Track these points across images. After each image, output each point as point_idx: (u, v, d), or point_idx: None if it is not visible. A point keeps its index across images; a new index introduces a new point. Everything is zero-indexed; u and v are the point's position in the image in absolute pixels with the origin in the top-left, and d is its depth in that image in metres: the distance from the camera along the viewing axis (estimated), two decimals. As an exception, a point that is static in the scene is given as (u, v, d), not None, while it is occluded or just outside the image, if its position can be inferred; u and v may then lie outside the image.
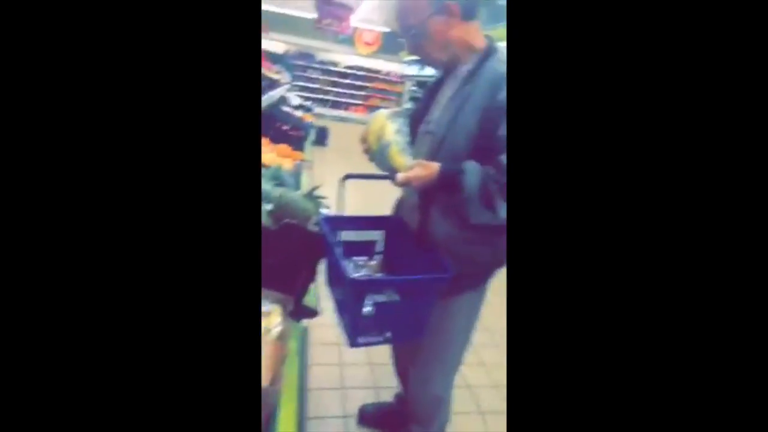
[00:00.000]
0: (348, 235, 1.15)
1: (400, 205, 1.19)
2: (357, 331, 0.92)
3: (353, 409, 1.55)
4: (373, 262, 1.17)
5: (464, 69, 1.00)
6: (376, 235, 1.18)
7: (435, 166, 0.91)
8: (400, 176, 0.92)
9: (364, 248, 1.17)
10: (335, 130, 6.45)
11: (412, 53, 1.09)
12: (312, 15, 7.35)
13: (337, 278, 0.97)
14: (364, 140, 1.00)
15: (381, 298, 0.91)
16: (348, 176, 0.98)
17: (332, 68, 9.43)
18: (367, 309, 0.90)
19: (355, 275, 0.91)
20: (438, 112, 1.03)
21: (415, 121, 1.12)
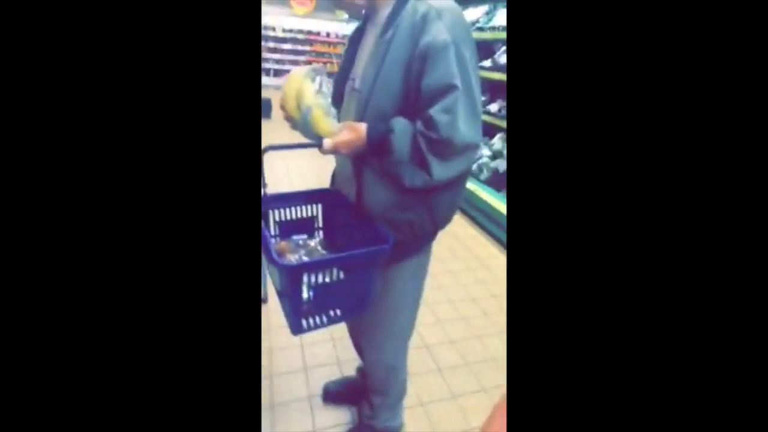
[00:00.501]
0: (286, 213, 1.07)
1: (335, 176, 1.12)
2: (299, 316, 0.87)
3: (318, 388, 1.54)
4: (313, 240, 1.11)
5: (383, 14, 0.90)
6: (316, 211, 1.11)
7: (362, 129, 0.84)
8: (326, 143, 0.83)
9: (304, 225, 1.11)
10: (277, 101, 6.13)
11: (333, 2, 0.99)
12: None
13: (271, 265, 0.90)
14: (282, 107, 0.90)
15: (323, 277, 0.87)
16: (269, 148, 0.89)
17: (270, 33, 8.84)
18: (305, 295, 0.86)
19: (285, 261, 0.84)
20: (361, 66, 0.94)
21: (341, 79, 1.03)
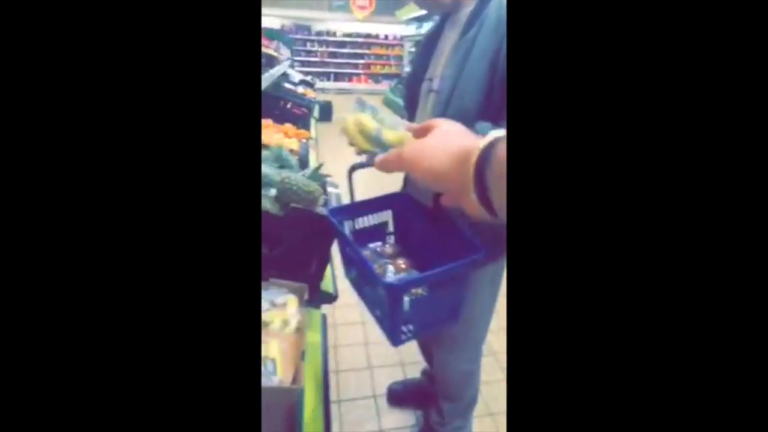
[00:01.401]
0: (358, 223, 1.06)
1: (407, 179, 1.10)
2: (398, 331, 0.85)
3: (381, 388, 1.53)
4: (388, 246, 1.08)
5: (465, 11, 0.87)
6: (386, 216, 1.09)
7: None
8: (378, 158, 0.83)
9: (376, 233, 1.09)
10: (339, 104, 6.29)
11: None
12: (303, -17, 7.02)
13: (364, 278, 0.89)
14: (358, 151, 0.90)
15: (421, 290, 0.85)
16: (357, 166, 0.88)
17: (330, 38, 9.11)
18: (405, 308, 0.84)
19: (391, 279, 0.81)
20: (440, 66, 0.91)
21: (415, 80, 1.00)
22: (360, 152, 0.88)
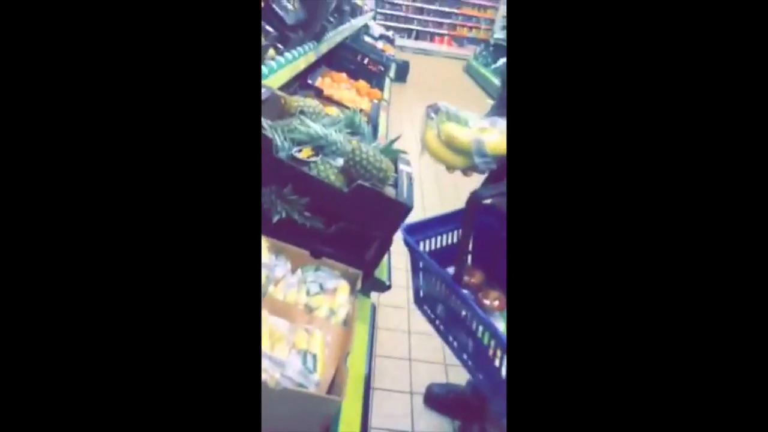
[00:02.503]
0: (431, 243, 0.88)
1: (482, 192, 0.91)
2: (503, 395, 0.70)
3: (420, 386, 1.43)
4: (471, 274, 0.90)
5: None
6: (453, 235, 0.90)
7: None
8: None
9: (449, 255, 0.90)
10: (416, 65, 5.95)
11: None
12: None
13: (458, 323, 0.74)
14: (449, 167, 0.72)
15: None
16: (481, 197, 0.67)
17: (418, -8, 8.57)
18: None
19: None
20: None
21: None
22: (452, 169, 0.71)
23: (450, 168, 0.71)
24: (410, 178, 1.17)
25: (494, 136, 0.66)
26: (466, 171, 0.71)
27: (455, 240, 0.89)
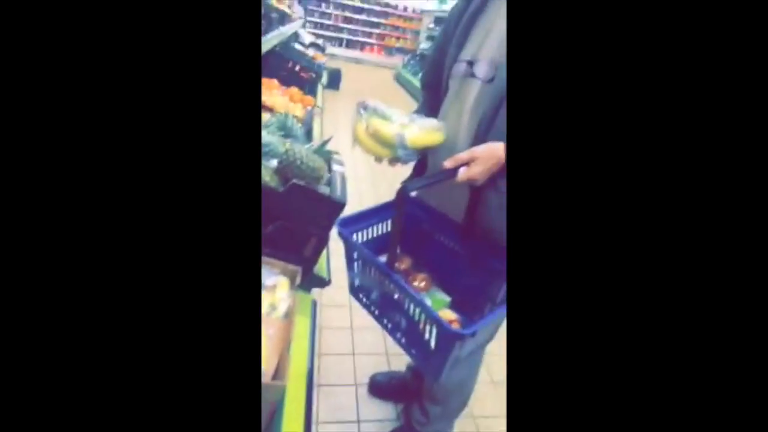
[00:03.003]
0: (363, 234, 0.95)
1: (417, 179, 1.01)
2: (443, 370, 0.77)
3: (364, 377, 1.49)
4: (404, 260, 0.97)
5: None
6: (384, 225, 0.98)
7: (500, 151, 0.72)
8: (460, 175, 0.73)
9: (381, 244, 0.97)
10: (348, 73, 6.06)
11: None
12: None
13: (393, 306, 0.80)
14: (377, 158, 0.80)
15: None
16: (409, 188, 0.72)
17: (347, 2, 8.72)
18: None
19: (457, 329, 0.69)
20: (487, 50, 0.80)
21: (440, 61, 0.89)
22: (380, 160, 0.78)
23: (377, 159, 0.79)
24: (343, 177, 1.24)
25: (414, 131, 0.75)
26: (392, 162, 0.79)
27: (386, 230, 0.97)
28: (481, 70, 0.80)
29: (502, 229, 0.80)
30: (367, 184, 2.94)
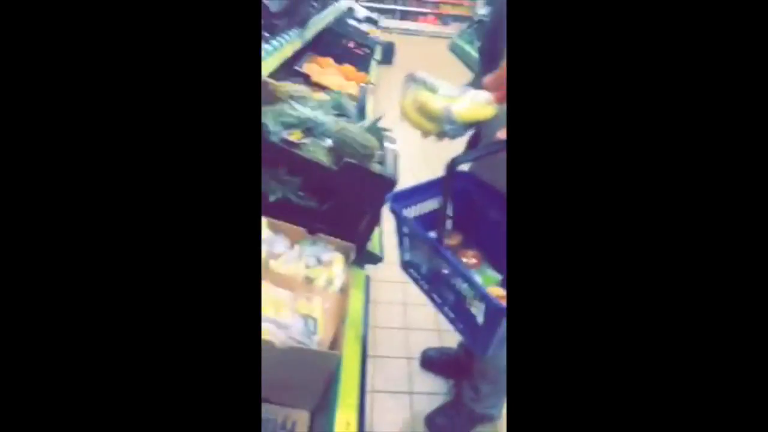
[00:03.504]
0: (414, 210, 0.94)
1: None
2: (491, 345, 0.77)
3: (416, 351, 1.52)
4: (450, 235, 0.96)
5: None
6: (436, 201, 0.94)
7: None
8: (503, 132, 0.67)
9: (432, 220, 0.94)
10: (401, 46, 5.92)
11: None
12: None
13: (437, 278, 0.80)
14: (424, 133, 0.76)
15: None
16: (457, 161, 0.68)
17: (402, -28, 8.44)
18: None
19: (503, 304, 0.68)
20: None
21: (496, 28, 0.84)
22: (426, 135, 0.76)
23: (424, 134, 0.77)
24: (395, 155, 1.24)
25: (462, 105, 0.72)
26: (439, 136, 0.77)
27: (438, 206, 0.96)
28: None
29: None
30: (418, 161, 2.91)
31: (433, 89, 0.72)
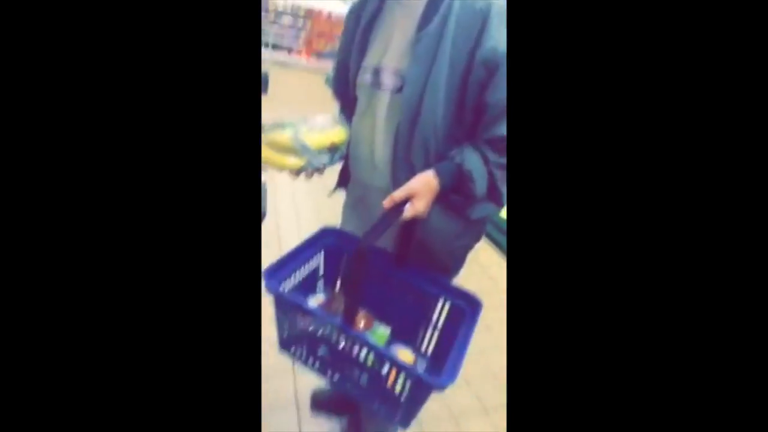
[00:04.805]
0: (290, 282, 0.84)
1: (350, 213, 0.98)
2: (412, 420, 0.72)
3: (305, 394, 1.43)
4: (332, 297, 0.91)
5: None
6: (317, 260, 0.90)
7: (431, 181, 0.71)
8: (407, 213, 0.70)
9: (309, 282, 0.89)
10: (275, 76, 5.88)
11: None
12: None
13: (340, 358, 0.72)
14: (291, 172, 0.77)
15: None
16: (364, 244, 0.66)
17: (270, 6, 8.49)
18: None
19: (431, 379, 0.65)
20: (391, 59, 0.76)
21: (343, 69, 0.84)
22: (297, 172, 0.74)
23: (292, 173, 0.75)
24: (264, 188, 1.18)
25: (308, 131, 0.73)
26: (308, 173, 0.75)
27: (311, 269, 0.89)
28: (387, 80, 0.77)
29: (438, 237, 0.80)
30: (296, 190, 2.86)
31: (281, 126, 0.72)
